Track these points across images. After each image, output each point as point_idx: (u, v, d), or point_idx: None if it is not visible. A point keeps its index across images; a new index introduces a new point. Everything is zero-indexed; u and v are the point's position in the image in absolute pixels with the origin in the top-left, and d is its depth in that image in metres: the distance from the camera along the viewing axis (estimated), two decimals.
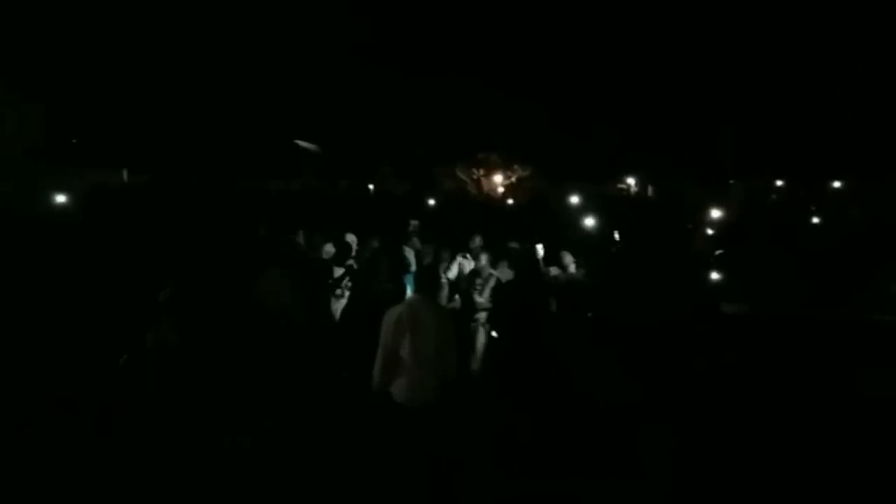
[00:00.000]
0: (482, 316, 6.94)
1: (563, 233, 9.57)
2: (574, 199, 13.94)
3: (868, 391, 5.75)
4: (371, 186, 23.17)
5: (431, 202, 15.33)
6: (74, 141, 21.07)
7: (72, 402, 5.60)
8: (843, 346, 6.30)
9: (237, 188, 17.10)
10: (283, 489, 4.71)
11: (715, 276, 8.87)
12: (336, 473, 4.83)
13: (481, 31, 22.79)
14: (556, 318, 6.56)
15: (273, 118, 22.37)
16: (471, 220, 10.93)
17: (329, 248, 7.69)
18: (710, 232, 11.47)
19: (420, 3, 23.15)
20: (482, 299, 7.06)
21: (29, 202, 11.59)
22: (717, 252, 10.23)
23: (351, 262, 7.54)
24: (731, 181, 23.01)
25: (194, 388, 5.40)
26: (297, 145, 25.01)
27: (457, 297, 7.23)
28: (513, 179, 24.57)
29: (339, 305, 7.22)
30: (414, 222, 9.76)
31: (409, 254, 8.65)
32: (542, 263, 7.60)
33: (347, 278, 7.26)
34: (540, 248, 8.10)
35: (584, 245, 9.05)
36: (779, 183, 24.09)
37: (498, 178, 24.52)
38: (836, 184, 23.88)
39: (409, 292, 6.46)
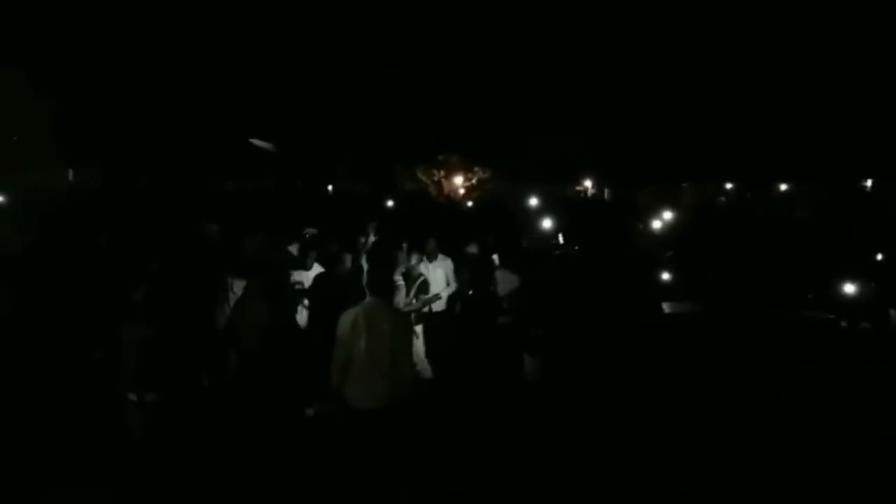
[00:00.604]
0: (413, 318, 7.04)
1: (515, 237, 9.67)
2: (532, 202, 14.09)
3: (799, 387, 5.97)
4: (330, 187, 22.98)
5: (391, 203, 15.28)
6: (15, 139, 20.50)
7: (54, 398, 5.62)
8: (779, 343, 6.52)
9: (189, 187, 16.78)
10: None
11: (666, 276, 9.11)
12: (286, 477, 4.89)
13: (443, 32, 22.84)
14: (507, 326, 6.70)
15: (227, 117, 21.93)
16: (428, 222, 10.96)
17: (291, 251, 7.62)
18: (659, 233, 11.73)
19: (380, 2, 23.07)
20: (408, 299, 7.29)
21: None
22: (668, 253, 10.48)
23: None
24: (683, 184, 23.62)
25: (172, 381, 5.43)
26: (253, 144, 24.58)
27: (413, 300, 7.35)
28: (473, 181, 24.69)
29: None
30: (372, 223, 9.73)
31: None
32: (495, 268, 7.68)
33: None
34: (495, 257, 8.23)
35: (536, 248, 9.16)
36: (728, 186, 24.83)
37: (458, 180, 24.61)
38: (783, 187, 24.76)
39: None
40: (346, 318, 4.44)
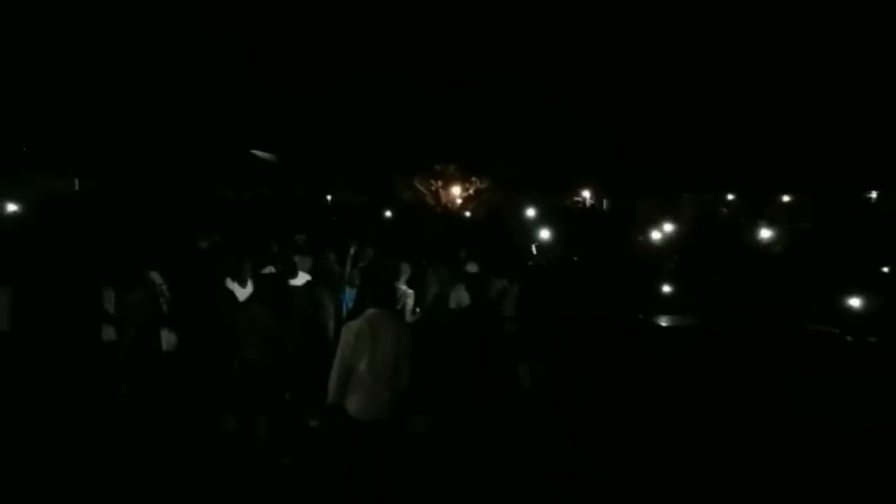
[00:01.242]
0: None
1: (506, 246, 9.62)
2: (530, 212, 13.92)
3: (801, 401, 5.86)
4: (329, 197, 23.01)
5: (388, 214, 15.22)
6: (24, 149, 20.72)
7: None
8: (781, 356, 6.38)
9: (191, 197, 16.84)
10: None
11: (667, 288, 8.92)
12: (291, 486, 4.89)
13: (442, 44, 22.83)
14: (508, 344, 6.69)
15: (230, 128, 22.01)
16: (430, 236, 10.93)
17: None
18: (659, 244, 11.55)
19: (380, 13, 23.08)
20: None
21: None
22: (670, 265, 10.31)
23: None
24: (683, 195, 23.40)
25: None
26: (254, 155, 24.64)
27: (417, 310, 7.24)
28: (471, 191, 24.59)
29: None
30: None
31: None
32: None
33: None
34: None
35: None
36: (730, 197, 24.58)
37: (456, 190, 24.52)
38: (786, 198, 24.52)
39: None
40: (351, 330, 4.39)
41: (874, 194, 23.11)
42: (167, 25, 21.07)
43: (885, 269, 10.07)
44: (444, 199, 24.27)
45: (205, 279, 6.88)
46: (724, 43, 22.39)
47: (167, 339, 6.50)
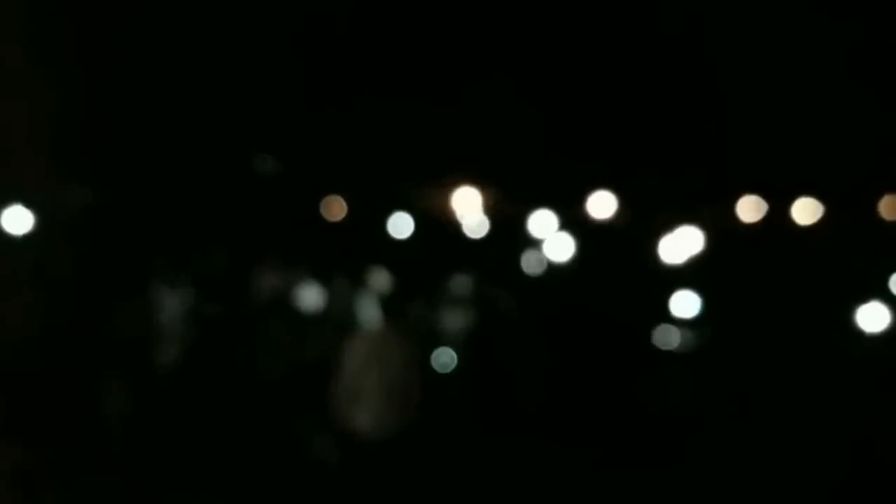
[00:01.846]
0: None
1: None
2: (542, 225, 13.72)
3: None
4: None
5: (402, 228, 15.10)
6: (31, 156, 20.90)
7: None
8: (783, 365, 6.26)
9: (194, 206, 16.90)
10: None
11: (680, 298, 8.77)
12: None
13: (447, 52, 22.80)
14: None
15: (230, 137, 22.05)
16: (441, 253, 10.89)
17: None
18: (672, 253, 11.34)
19: (382, 23, 23.11)
20: None
21: None
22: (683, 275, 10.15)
23: None
24: (702, 204, 23.16)
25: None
26: (253, 164, 24.68)
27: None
28: (482, 203, 24.42)
29: None
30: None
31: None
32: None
33: None
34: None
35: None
36: (744, 203, 24.32)
37: (467, 202, 24.35)
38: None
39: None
40: (356, 346, 4.55)
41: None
42: (171, 30, 21.22)
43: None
44: (449, 210, 24.16)
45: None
46: (724, 45, 22.25)
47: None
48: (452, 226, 18.72)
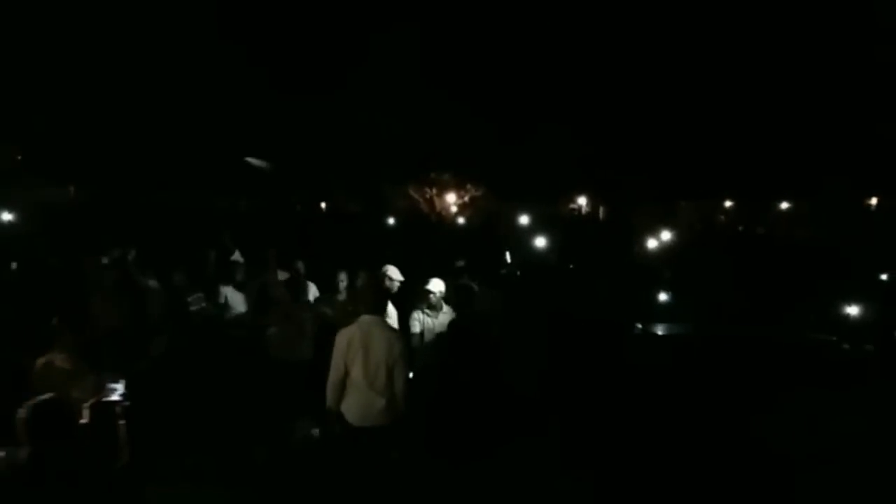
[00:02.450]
0: None
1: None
2: (524, 219, 13.76)
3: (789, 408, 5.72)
4: (323, 205, 22.93)
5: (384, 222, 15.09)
6: (19, 157, 20.74)
7: None
8: (777, 365, 6.23)
9: (186, 206, 16.80)
10: None
11: (663, 297, 8.80)
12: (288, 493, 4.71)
13: (435, 50, 22.76)
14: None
15: (223, 136, 21.93)
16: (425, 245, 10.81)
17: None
18: (656, 252, 11.40)
19: (372, 22, 23.04)
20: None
21: None
22: (666, 274, 10.17)
23: None
24: (681, 202, 23.28)
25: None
26: (248, 163, 24.53)
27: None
28: (465, 199, 24.45)
29: None
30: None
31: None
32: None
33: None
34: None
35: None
36: (728, 203, 24.47)
37: (451, 198, 24.37)
38: (784, 205, 24.42)
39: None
40: (343, 337, 4.42)
41: (874, 200, 23.04)
42: (164, 32, 21.01)
43: (884, 277, 9.93)
44: (438, 207, 24.12)
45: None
46: (724, 46, 22.33)
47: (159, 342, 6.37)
48: (441, 221, 18.60)
